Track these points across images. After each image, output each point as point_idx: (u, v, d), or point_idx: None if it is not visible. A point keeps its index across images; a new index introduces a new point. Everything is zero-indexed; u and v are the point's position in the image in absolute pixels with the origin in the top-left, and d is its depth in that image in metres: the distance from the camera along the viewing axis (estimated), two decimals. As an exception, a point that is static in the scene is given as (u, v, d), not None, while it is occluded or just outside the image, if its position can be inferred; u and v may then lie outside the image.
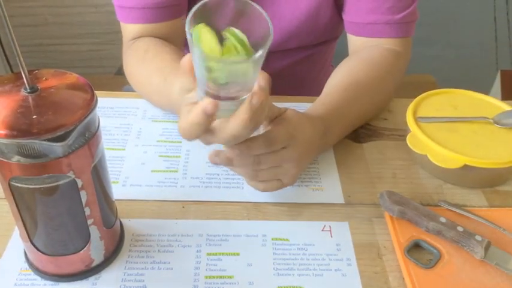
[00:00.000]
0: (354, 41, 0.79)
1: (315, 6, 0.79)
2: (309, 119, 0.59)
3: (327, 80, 0.72)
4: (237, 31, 0.42)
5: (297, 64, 0.91)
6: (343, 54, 0.82)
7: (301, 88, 0.94)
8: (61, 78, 0.45)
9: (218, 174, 0.64)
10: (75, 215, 0.47)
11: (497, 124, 0.67)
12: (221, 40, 0.42)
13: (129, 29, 0.76)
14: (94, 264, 0.51)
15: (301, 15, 0.80)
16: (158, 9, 0.73)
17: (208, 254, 0.54)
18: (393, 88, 0.75)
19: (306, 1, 0.78)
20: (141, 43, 0.74)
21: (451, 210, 0.59)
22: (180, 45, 0.80)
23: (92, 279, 0.51)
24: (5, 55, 1.90)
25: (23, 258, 0.52)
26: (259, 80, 0.46)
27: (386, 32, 0.75)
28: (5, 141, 0.40)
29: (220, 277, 0.52)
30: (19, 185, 0.43)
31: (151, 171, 0.64)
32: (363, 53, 0.75)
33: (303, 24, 0.81)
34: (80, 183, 0.45)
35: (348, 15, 0.78)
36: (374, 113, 0.74)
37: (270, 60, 0.89)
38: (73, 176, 0.44)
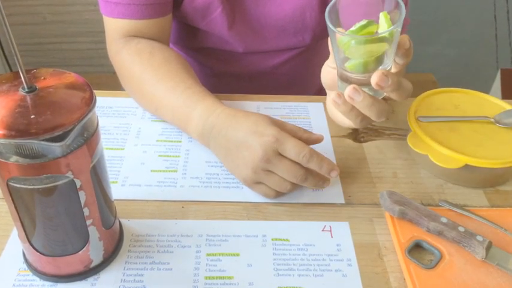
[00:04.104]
0: None
1: (300, 8, 0.79)
2: None
3: None
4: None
5: (290, 62, 0.90)
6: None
7: (299, 84, 0.93)
8: (59, 78, 0.44)
9: (218, 174, 0.63)
10: (73, 216, 0.47)
11: (498, 123, 0.66)
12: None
13: (116, 25, 0.75)
14: (93, 264, 0.51)
15: (286, 16, 0.80)
16: (143, 6, 0.72)
17: (208, 255, 0.54)
18: None
19: (290, 2, 0.79)
20: (140, 45, 0.72)
21: (452, 210, 0.59)
22: (167, 44, 0.79)
23: (90, 279, 0.51)
24: (4, 54, 1.90)
25: (22, 259, 0.52)
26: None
27: None
28: (2, 141, 0.40)
29: (220, 278, 0.51)
30: (17, 185, 0.43)
31: (151, 171, 0.64)
32: None
33: (288, 24, 0.81)
34: (78, 183, 0.44)
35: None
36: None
37: (263, 59, 0.89)
38: (72, 176, 0.43)
